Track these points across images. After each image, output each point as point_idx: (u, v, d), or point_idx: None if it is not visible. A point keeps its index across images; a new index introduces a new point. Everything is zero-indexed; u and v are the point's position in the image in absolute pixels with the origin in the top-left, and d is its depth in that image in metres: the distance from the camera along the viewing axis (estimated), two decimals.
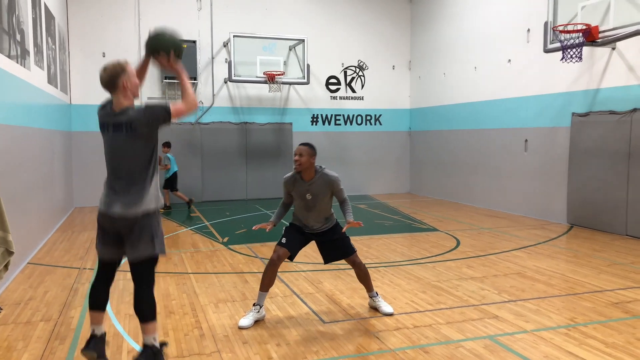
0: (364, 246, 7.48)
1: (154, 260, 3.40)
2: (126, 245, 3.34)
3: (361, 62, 14.30)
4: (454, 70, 12.68)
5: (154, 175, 3.39)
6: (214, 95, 12.99)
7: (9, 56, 5.95)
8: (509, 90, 10.85)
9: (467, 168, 12.21)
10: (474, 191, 11.99)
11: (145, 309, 3.37)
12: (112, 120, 3.32)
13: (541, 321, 4.47)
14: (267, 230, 4.54)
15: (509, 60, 10.79)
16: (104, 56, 11.83)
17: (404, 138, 14.80)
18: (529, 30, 10.15)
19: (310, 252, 7.34)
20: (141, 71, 3.62)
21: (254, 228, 4.63)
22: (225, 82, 12.97)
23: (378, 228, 9.04)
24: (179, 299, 5.11)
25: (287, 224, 4.70)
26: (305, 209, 4.53)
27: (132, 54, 11.88)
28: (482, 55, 11.63)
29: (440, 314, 4.67)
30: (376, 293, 4.79)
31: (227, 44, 12.60)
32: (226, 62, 12.67)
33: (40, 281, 5.78)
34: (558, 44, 8.09)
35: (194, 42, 12.55)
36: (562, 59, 8.08)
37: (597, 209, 8.72)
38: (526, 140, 10.38)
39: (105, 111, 3.39)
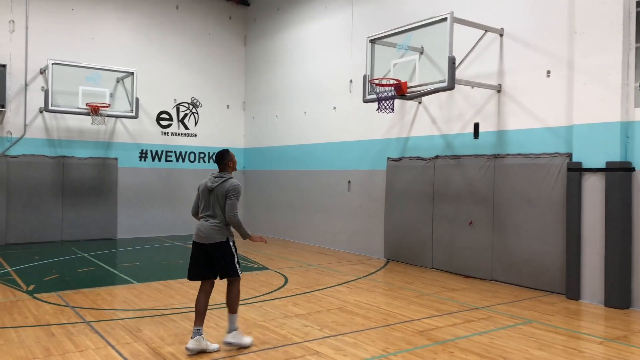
0: (191, 289, 7.21)
1: None
2: None
3: (195, 99, 14.16)
4: (286, 113, 13.23)
5: None
6: (25, 125, 11.67)
7: None
8: (334, 135, 11.63)
9: (297, 207, 12.66)
10: (303, 229, 12.45)
11: None
12: None
13: (357, 354, 4.73)
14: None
15: (334, 108, 11.62)
16: None
17: (237, 177, 14.80)
18: (351, 81, 11.08)
19: (132, 297, 6.86)
20: None
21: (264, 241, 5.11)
22: (41, 112, 11.78)
23: None
24: None
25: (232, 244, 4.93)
26: None
27: None
28: (311, 101, 12.34)
29: (264, 354, 4.68)
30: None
31: (45, 71, 11.52)
32: (43, 90, 11.53)
33: None
34: (374, 96, 8.93)
35: (4, 66, 11.23)
36: (377, 109, 8.92)
37: (409, 244, 9.66)
38: (349, 181, 11.17)
39: None
